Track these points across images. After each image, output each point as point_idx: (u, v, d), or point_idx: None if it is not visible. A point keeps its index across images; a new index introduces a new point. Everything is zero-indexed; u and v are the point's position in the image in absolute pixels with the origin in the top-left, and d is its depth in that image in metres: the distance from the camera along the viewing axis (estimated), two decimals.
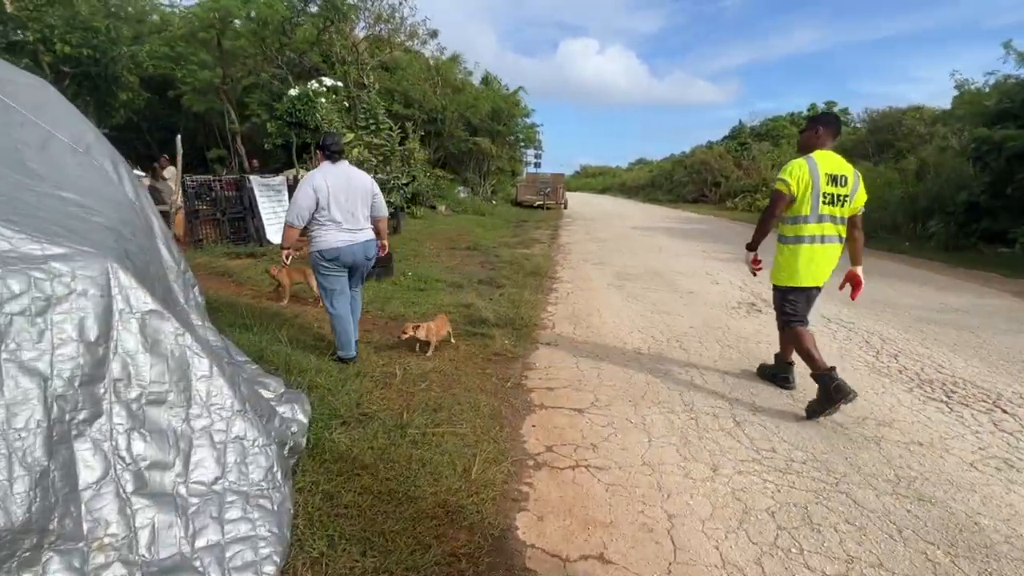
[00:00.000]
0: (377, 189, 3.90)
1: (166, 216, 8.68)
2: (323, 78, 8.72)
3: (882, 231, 13.22)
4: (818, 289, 3.46)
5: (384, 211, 3.99)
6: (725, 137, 44.24)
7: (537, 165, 32.61)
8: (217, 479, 1.87)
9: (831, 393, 3.13)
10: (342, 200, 3.61)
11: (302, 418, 2.56)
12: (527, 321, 5.18)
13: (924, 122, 22.06)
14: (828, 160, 3.24)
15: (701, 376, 3.96)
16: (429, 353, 4.10)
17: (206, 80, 15.67)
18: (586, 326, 5.25)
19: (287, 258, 4.01)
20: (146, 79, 18.64)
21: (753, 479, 2.59)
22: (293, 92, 8.27)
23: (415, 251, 9.45)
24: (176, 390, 1.86)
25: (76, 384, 1.61)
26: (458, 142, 19.66)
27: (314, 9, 11.49)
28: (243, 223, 9.41)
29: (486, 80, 21.95)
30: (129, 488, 1.67)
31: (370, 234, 3.85)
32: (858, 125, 33.33)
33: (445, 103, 17.43)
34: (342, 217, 3.62)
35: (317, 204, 3.56)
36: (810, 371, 3.35)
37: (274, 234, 9.75)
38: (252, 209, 9.44)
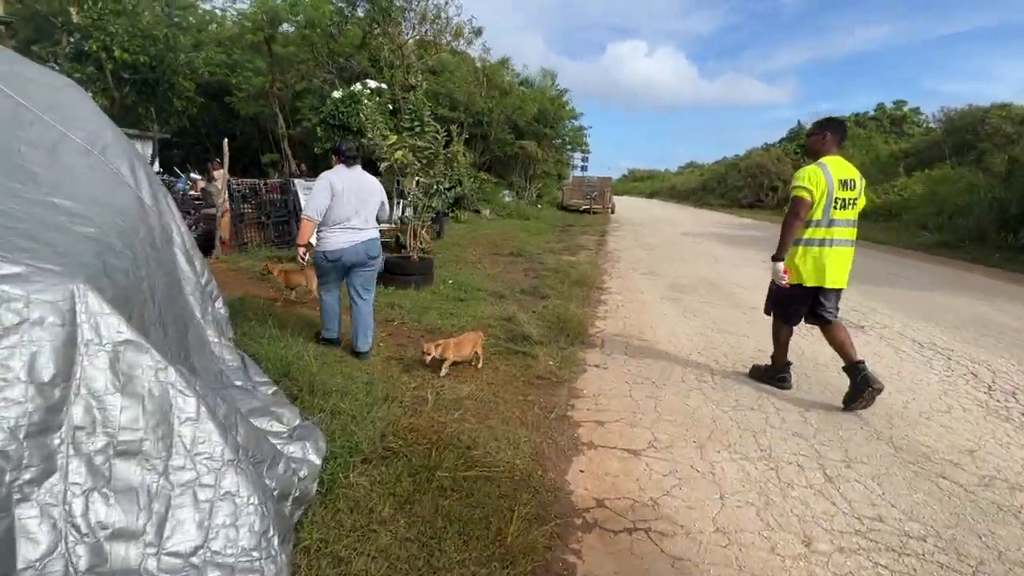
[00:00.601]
0: (384, 194, 4.07)
1: (213, 219, 8.75)
2: (368, 80, 8.57)
3: (968, 241, 11.99)
4: (836, 291, 3.55)
5: (387, 215, 4.25)
6: (782, 139, 42.26)
7: (584, 169, 32.03)
8: (198, 548, 1.53)
9: (777, 383, 3.76)
10: (352, 202, 3.77)
11: (314, 458, 2.22)
12: (573, 338, 4.73)
13: (1012, 120, 20.15)
14: (838, 165, 3.39)
15: (777, 413, 3.41)
16: (442, 373, 3.72)
17: (258, 85, 16.00)
18: (639, 345, 4.75)
19: (304, 255, 4.05)
20: (204, 85, 19.33)
21: (860, 560, 2.06)
22: (336, 95, 8.15)
23: (457, 257, 9.15)
24: (153, 437, 1.54)
25: (21, 436, 1.31)
26: (504, 145, 19.38)
27: (360, 13, 11.49)
28: (287, 226, 9.38)
29: (545, 75, 21.50)
30: (82, 565, 1.35)
31: (374, 234, 3.98)
32: (932, 126, 31.02)
33: (491, 106, 17.18)
34: (348, 219, 3.79)
35: (332, 203, 3.73)
36: (770, 360, 3.87)
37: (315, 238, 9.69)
38: (296, 213, 9.40)
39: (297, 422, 2.47)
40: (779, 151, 35.60)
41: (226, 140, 8.23)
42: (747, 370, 4.13)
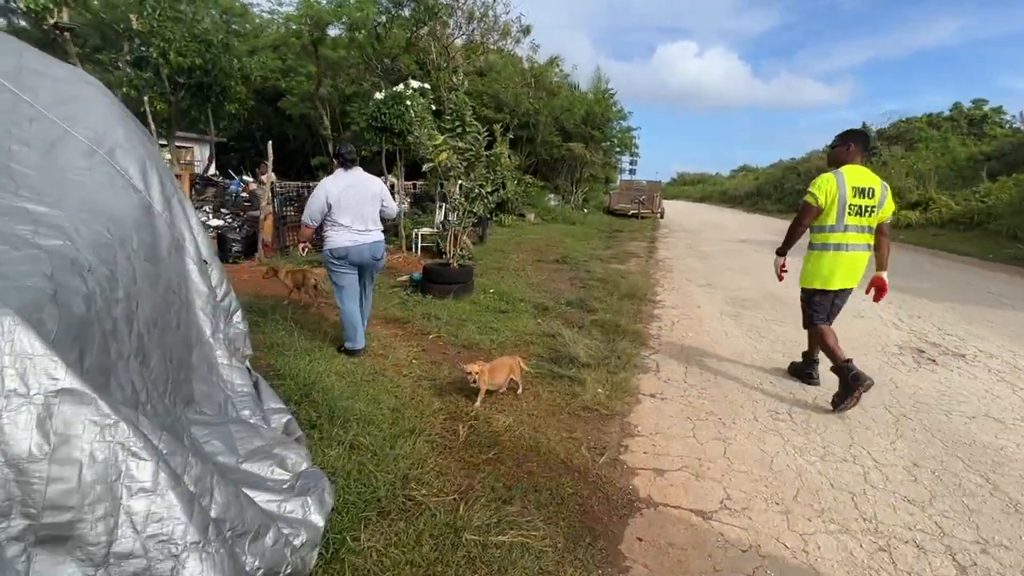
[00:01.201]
0: (386, 194, 4.09)
1: (257, 221, 8.72)
2: (411, 80, 8.32)
3: None
4: (847, 291, 3.70)
5: (394, 212, 4.23)
6: None
7: (632, 172, 31.13)
8: None
9: (849, 382, 3.38)
10: (352, 204, 3.83)
11: (317, 519, 1.85)
12: (625, 360, 4.23)
13: None
14: (855, 174, 3.47)
15: (878, 468, 2.81)
16: (477, 404, 3.30)
17: (308, 88, 16.21)
18: (699, 371, 4.20)
19: (303, 250, 4.40)
20: (259, 90, 19.83)
21: None
22: (379, 96, 7.94)
23: (500, 263, 8.77)
24: (91, 517, 1.19)
25: None
26: (551, 148, 18.92)
27: (406, 12, 11.35)
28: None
29: (599, 79, 20.88)
30: None
31: (378, 236, 4.03)
32: (1020, 126, 28.43)
33: (539, 107, 16.76)
34: (350, 220, 3.85)
35: (329, 207, 3.80)
36: (831, 365, 3.60)
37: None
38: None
39: (304, 466, 2.11)
40: None
41: (270, 142, 8.17)
42: (829, 403, 3.53)
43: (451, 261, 6.23)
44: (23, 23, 14.45)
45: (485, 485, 2.43)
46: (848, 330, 5.50)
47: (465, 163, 5.98)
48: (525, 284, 7.18)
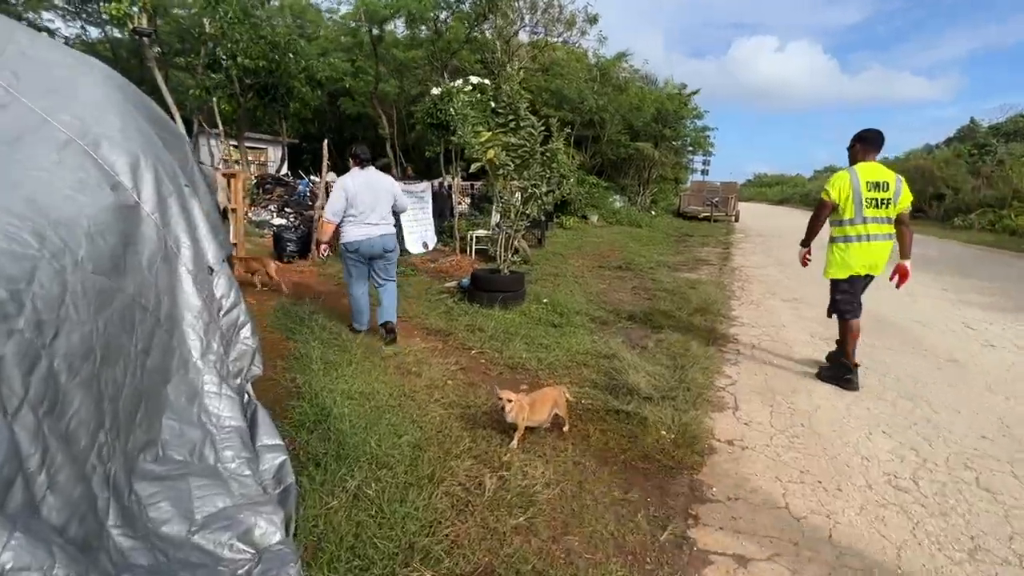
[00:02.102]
0: (398, 189, 4.43)
1: (312, 221, 8.66)
2: (470, 77, 7.92)
3: None
4: (870, 277, 3.92)
5: (405, 206, 4.57)
6: (950, 139, 36.01)
7: (704, 173, 29.52)
8: None
9: (842, 382, 3.89)
10: (366, 199, 4.15)
11: None
12: (696, 394, 3.55)
13: None
14: (869, 170, 3.76)
15: None
16: (513, 443, 2.76)
17: (366, 87, 16.32)
18: (789, 412, 3.45)
19: (323, 252, 4.62)
20: (331, 93, 20.32)
21: None
22: (436, 92, 7.59)
23: (557, 269, 8.20)
24: None
25: None
26: (617, 147, 18.06)
27: (466, 7, 11.04)
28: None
29: (667, 81, 19.76)
30: None
31: (389, 229, 4.32)
32: None
33: (604, 104, 15.97)
34: (364, 214, 4.15)
35: (347, 203, 4.11)
36: (837, 354, 4.07)
37: (414, 243, 9.29)
38: (394, 215, 9.05)
39: (275, 539, 1.67)
40: (948, 153, 30.19)
41: (326, 142, 8.04)
42: (969, 466, 2.72)
43: (501, 267, 5.74)
44: (116, 32, 15.47)
45: (509, 568, 1.90)
46: (978, 362, 4.50)
47: (518, 161, 5.47)
48: (583, 294, 6.57)
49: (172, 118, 10.64)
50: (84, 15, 16.60)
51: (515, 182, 5.54)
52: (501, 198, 5.66)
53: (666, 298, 6.49)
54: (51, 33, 17.87)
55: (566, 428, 2.98)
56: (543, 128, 5.50)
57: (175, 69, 13.00)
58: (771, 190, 68.52)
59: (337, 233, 4.28)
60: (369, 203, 4.14)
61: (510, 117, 5.55)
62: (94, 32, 17.32)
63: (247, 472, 1.98)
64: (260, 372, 2.73)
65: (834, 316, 4.11)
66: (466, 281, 6.09)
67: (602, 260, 9.70)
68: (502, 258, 5.73)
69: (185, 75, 12.86)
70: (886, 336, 5.23)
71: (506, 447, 2.75)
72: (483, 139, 5.45)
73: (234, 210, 6.80)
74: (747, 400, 3.61)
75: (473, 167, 5.57)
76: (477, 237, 9.00)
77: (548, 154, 5.51)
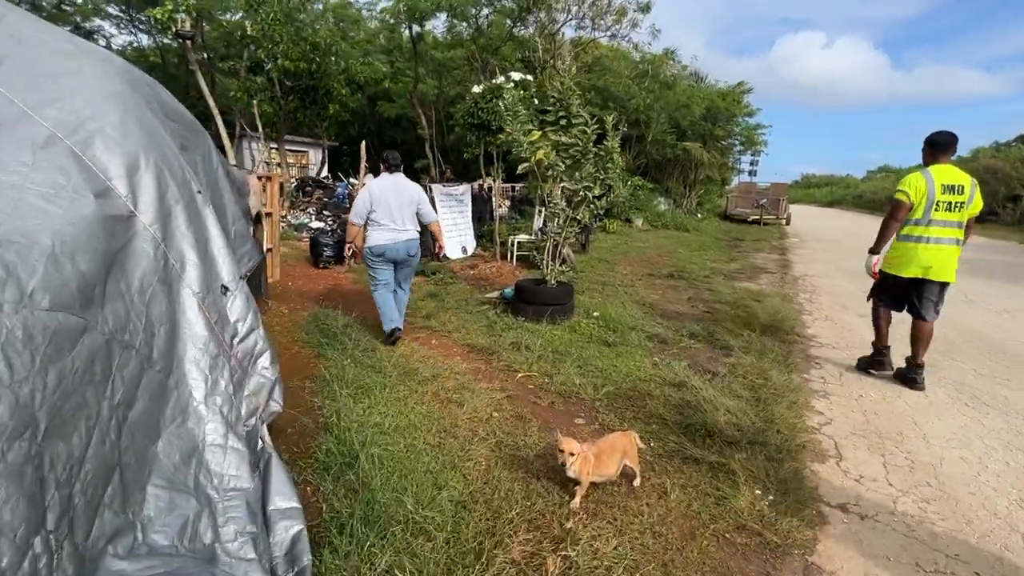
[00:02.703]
0: (424, 199, 4.39)
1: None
2: (511, 73, 7.47)
3: None
4: (942, 284, 3.82)
5: (431, 218, 4.48)
6: (1021, 135, 33.44)
7: (752, 174, 28.25)
8: None
9: (873, 364, 4.13)
10: (392, 205, 4.17)
11: None
12: (788, 436, 2.98)
13: None
14: (944, 172, 3.70)
15: None
16: (576, 504, 2.27)
17: (405, 88, 16.11)
18: (908, 464, 2.84)
19: (349, 251, 4.54)
20: (371, 96, 20.26)
21: None
22: (476, 90, 7.18)
23: (604, 278, 7.66)
24: None
25: None
26: (663, 147, 17.27)
27: (508, 2, 10.61)
28: (421, 235, 8.70)
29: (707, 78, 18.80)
30: None
31: (413, 235, 4.34)
32: None
33: (651, 102, 15.24)
34: (389, 219, 4.18)
35: (372, 206, 4.14)
36: (872, 341, 4.20)
37: (452, 248, 8.91)
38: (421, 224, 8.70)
39: None
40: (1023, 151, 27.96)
41: (363, 143, 7.75)
42: None
43: (547, 277, 5.26)
44: (166, 39, 15.77)
45: None
46: None
47: (569, 161, 4.98)
48: (636, 306, 6.01)
49: (214, 121, 10.65)
50: (136, 23, 17.01)
51: (565, 184, 5.05)
52: (549, 202, 5.17)
53: (729, 312, 5.87)
54: (107, 41, 18.47)
55: (637, 482, 2.47)
56: (596, 126, 4.99)
57: (220, 74, 13.07)
58: (819, 191, 65.55)
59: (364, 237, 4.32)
60: (395, 208, 4.18)
61: (560, 114, 5.06)
62: (145, 40, 17.77)
63: (252, 555, 1.56)
64: (280, 409, 2.34)
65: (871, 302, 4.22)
66: (509, 292, 5.64)
67: (651, 267, 9.09)
68: (548, 267, 5.25)
69: (231, 80, 12.91)
70: (997, 365, 4.48)
71: (566, 507, 2.27)
72: (534, 138, 4.98)
73: (269, 214, 6.56)
74: (851, 446, 3.01)
75: (520, 168, 5.11)
76: (519, 242, 8.55)
77: (603, 153, 4.99)
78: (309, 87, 10.77)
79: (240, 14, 12.48)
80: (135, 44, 18.28)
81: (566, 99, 4.99)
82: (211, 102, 9.96)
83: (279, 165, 11.99)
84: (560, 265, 5.26)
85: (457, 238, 9.12)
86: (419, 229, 4.41)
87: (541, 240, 8.42)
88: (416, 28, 12.64)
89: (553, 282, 5.25)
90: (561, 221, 5.10)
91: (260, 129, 10.50)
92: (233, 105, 12.74)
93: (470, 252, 9.22)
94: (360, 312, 5.28)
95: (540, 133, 5.13)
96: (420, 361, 3.97)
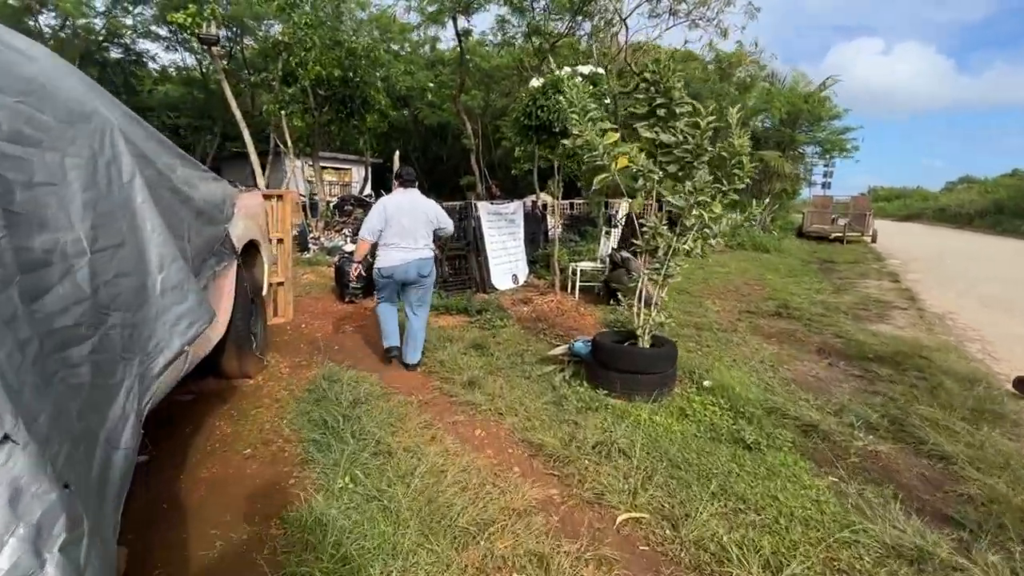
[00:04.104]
0: (442, 214, 4.14)
1: None
2: (579, 67, 6.03)
3: None
4: None
5: (449, 233, 4.29)
6: None
7: (826, 185, 25.68)
8: None
9: None
10: (405, 223, 3.94)
11: None
12: None
13: None
14: None
15: None
16: None
17: (447, 95, 14.98)
18: None
19: (355, 272, 4.42)
20: (415, 113, 19.40)
21: None
22: (536, 83, 5.79)
23: (694, 315, 6.03)
24: None
25: None
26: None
27: None
28: (464, 262, 7.34)
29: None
30: None
31: (427, 253, 4.05)
32: None
33: (724, 105, 13.48)
34: (399, 238, 3.94)
35: (385, 223, 3.92)
36: None
37: (501, 276, 7.49)
38: (477, 244, 7.33)
39: None
40: None
41: (397, 153, 6.49)
42: None
43: (639, 333, 3.71)
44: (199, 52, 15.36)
45: None
46: None
47: (675, 167, 3.47)
48: (755, 367, 4.37)
49: (240, 131, 9.78)
50: (181, 43, 16.82)
51: (668, 199, 3.52)
52: (640, 224, 3.65)
53: (893, 376, 4.13)
54: (154, 62, 18.47)
55: None
56: (712, 118, 3.46)
57: (254, 88, 12.39)
58: (890, 204, 60.81)
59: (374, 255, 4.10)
60: (407, 226, 3.95)
61: (657, 102, 3.56)
62: (190, 59, 17.60)
63: None
64: None
65: None
66: (581, 346, 4.13)
67: (745, 300, 7.36)
68: (641, 320, 3.71)
69: (268, 94, 12.17)
70: None
71: None
72: (612, 139, 3.50)
73: (280, 240, 5.35)
74: None
75: (597, 180, 3.63)
76: (582, 271, 7.03)
77: (726, 155, 3.44)
78: (344, 96, 9.72)
79: (274, 23, 11.74)
80: (177, 63, 18.17)
81: (666, 81, 3.49)
82: (238, 114, 9.05)
83: (309, 181, 11.02)
84: (656, 316, 3.70)
85: (507, 264, 7.70)
86: (433, 247, 4.13)
87: (611, 269, 6.90)
88: (463, 22, 11.46)
89: (646, 340, 3.70)
90: (662, 253, 3.54)
91: (288, 144, 9.50)
92: (269, 121, 11.98)
93: (522, 281, 7.78)
94: (383, 373, 3.91)
95: (617, 135, 3.65)
96: (458, 484, 2.50)
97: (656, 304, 3.69)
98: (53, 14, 14.64)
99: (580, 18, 10.23)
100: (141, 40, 17.39)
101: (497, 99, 17.71)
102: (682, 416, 3.30)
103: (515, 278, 7.70)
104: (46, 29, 14.50)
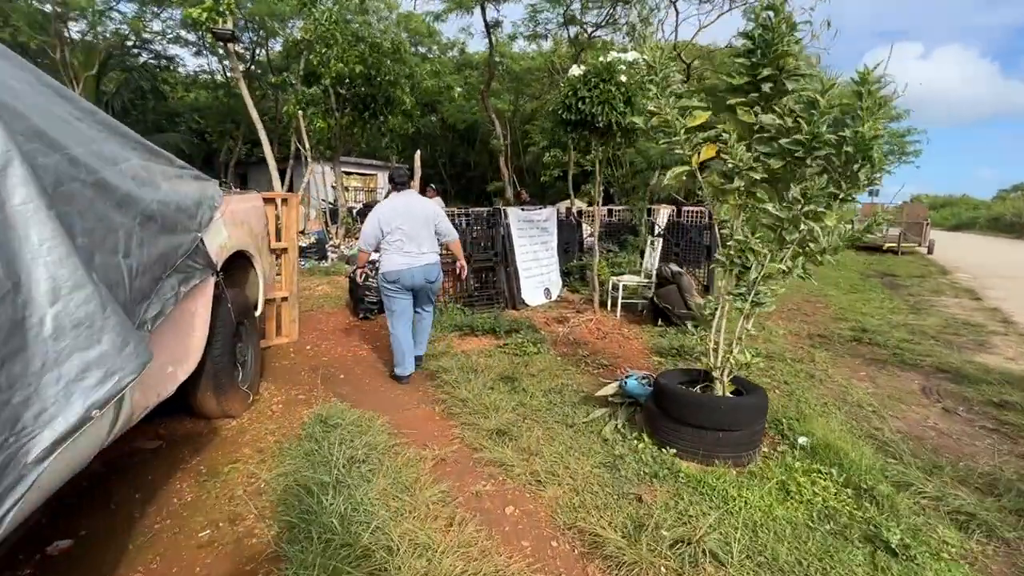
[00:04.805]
0: (441, 215, 3.97)
1: None
2: (620, 55, 5.24)
3: None
4: None
5: (451, 235, 4.04)
6: None
7: (873, 192, 24.10)
8: None
9: None
10: (405, 227, 3.75)
11: None
12: None
13: None
14: None
15: None
16: None
17: (474, 96, 14.32)
18: None
19: (360, 277, 4.35)
20: (444, 119, 18.86)
21: None
22: (575, 71, 5.04)
23: (765, 343, 5.14)
24: None
25: None
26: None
27: None
28: (492, 274, 6.60)
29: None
30: None
31: (432, 259, 3.89)
32: None
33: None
34: (401, 242, 3.76)
35: (382, 231, 3.75)
36: None
37: (532, 291, 6.73)
38: (506, 255, 6.58)
39: None
40: None
41: (418, 152, 5.81)
42: None
43: (717, 375, 2.89)
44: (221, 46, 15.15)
45: None
46: None
47: (778, 162, 2.66)
48: (857, 413, 3.49)
49: (255, 130, 9.30)
50: (207, 47, 16.67)
51: (769, 206, 2.71)
52: (728, 238, 2.83)
53: None
54: (184, 67, 18.41)
55: None
56: (834, 101, 2.63)
57: (272, 88, 12.01)
58: (938, 213, 57.87)
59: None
60: (407, 231, 3.76)
61: (764, 73, 2.76)
62: (216, 64, 17.45)
63: None
64: None
65: None
66: (635, 384, 3.33)
67: (813, 322, 6.41)
68: (719, 358, 2.89)
69: (288, 96, 11.74)
70: None
71: None
72: (697, 121, 2.72)
73: (284, 250, 4.70)
74: None
75: (670, 175, 2.84)
76: (624, 286, 6.21)
77: (849, 150, 2.61)
78: (366, 96, 9.14)
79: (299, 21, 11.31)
80: (205, 67, 18.06)
81: (776, 44, 2.69)
82: (254, 114, 8.56)
83: (334, 187, 10.48)
84: (739, 355, 2.87)
85: (538, 277, 6.94)
86: (438, 252, 3.99)
87: (658, 285, 6.06)
88: (492, 12, 10.80)
89: (725, 387, 2.88)
90: (756, 274, 2.72)
91: (307, 146, 8.96)
92: (291, 124, 11.54)
93: (555, 296, 7.00)
94: (393, 414, 3.19)
95: (706, 115, 2.87)
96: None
97: (740, 340, 2.87)
98: (85, 21, 14.61)
99: (621, 5, 9.47)
100: (171, 45, 17.36)
101: (526, 103, 17.04)
102: (783, 493, 2.46)
103: (547, 292, 6.93)
104: (75, 35, 14.45)
